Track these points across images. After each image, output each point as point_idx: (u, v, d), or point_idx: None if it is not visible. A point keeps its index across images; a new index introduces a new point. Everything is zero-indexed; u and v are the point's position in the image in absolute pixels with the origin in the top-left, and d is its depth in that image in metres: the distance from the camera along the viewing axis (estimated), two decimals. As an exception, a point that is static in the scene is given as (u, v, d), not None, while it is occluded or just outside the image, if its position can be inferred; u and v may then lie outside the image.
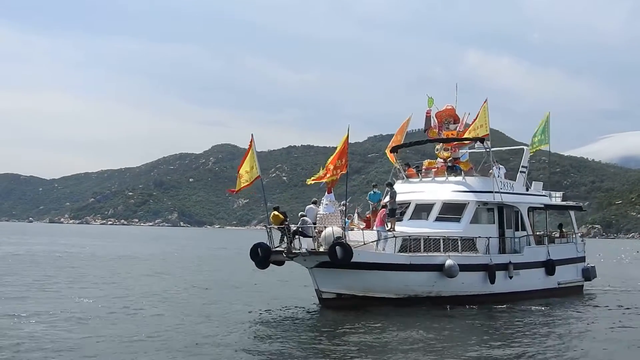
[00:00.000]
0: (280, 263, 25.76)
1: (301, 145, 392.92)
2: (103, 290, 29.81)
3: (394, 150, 30.99)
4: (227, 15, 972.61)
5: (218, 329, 20.18)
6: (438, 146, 31.08)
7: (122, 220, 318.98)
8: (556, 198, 34.33)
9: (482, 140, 30.34)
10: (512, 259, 28.46)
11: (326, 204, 26.03)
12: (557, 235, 33.44)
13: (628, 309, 27.00)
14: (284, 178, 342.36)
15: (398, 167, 31.25)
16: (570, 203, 36.78)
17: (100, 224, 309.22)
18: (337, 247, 22.95)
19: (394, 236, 25.18)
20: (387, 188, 27.58)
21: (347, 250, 22.99)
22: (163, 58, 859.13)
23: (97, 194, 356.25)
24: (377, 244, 24.72)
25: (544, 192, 33.79)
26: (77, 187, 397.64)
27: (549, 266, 30.32)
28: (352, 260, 23.14)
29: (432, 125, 30.74)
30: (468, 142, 31.61)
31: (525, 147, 33.51)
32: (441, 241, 26.00)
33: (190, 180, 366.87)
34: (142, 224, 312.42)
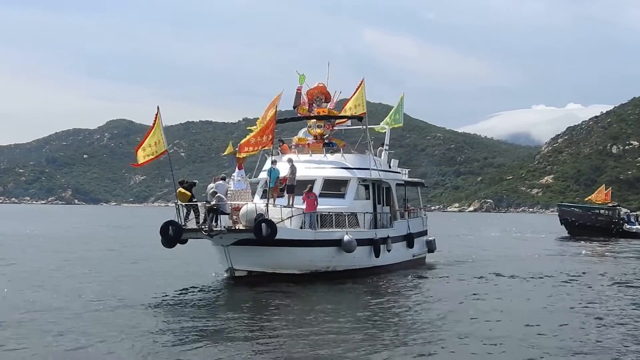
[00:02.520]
0: (184, 241, 25.19)
1: (199, 120, 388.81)
2: None
3: None
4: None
5: (129, 312, 19.21)
6: (310, 123, 31.07)
7: (13, 199, 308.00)
8: (405, 174, 35.42)
9: (360, 118, 30.95)
10: (389, 233, 29.58)
11: (238, 180, 25.71)
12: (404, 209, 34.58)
13: (463, 279, 28.51)
14: (182, 154, 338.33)
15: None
16: (417, 179, 37.97)
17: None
18: (262, 223, 22.84)
19: (303, 212, 25.47)
20: (287, 164, 27.41)
21: (273, 227, 23.01)
22: (54, 29, 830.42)
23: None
24: (290, 220, 24.89)
25: (399, 169, 34.94)
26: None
27: (410, 239, 31.89)
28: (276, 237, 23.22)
29: (301, 102, 30.72)
30: (346, 119, 31.93)
31: (386, 127, 34.23)
32: (333, 217, 26.43)
33: (85, 156, 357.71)
34: (34, 202, 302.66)
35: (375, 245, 27.88)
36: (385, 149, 33.18)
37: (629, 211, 74.07)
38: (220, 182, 25.10)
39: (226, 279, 25.40)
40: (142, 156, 24.51)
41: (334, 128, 32.20)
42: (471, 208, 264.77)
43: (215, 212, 23.74)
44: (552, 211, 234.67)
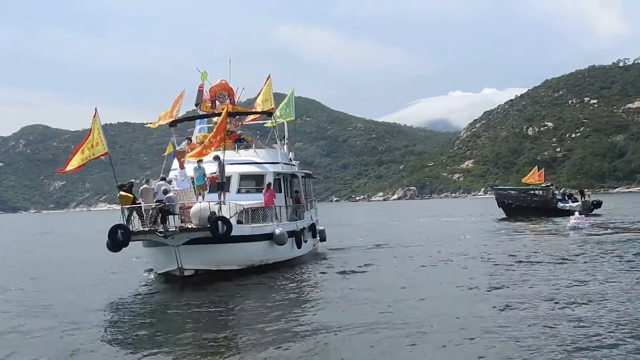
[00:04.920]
0: (127, 244, 24.32)
1: (117, 122, 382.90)
2: None
3: (172, 125, 30.31)
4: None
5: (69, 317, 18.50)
6: (216, 119, 30.68)
7: None
8: (297, 166, 35.74)
9: (269, 113, 31.09)
10: (304, 225, 30.32)
11: (182, 180, 25.57)
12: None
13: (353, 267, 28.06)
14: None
15: (175, 141, 30.66)
16: (307, 171, 38.07)
17: None
18: (219, 221, 22.88)
19: (245, 209, 25.50)
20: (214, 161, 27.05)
21: (229, 224, 23.10)
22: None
23: None
24: (236, 217, 24.91)
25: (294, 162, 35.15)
26: None
27: (313, 230, 32.56)
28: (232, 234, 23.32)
29: (203, 99, 30.43)
30: (257, 115, 32.20)
31: (284, 121, 34.20)
32: (260, 211, 26.54)
33: (0, 164, 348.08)
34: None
35: (297, 236, 28.45)
36: (286, 142, 33.28)
37: (562, 190, 78.90)
38: (161, 182, 24.88)
39: (159, 278, 25.15)
40: (80, 159, 24.10)
41: (242, 124, 32.17)
42: (395, 196, 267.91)
43: (166, 212, 23.36)
44: (473, 195, 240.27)
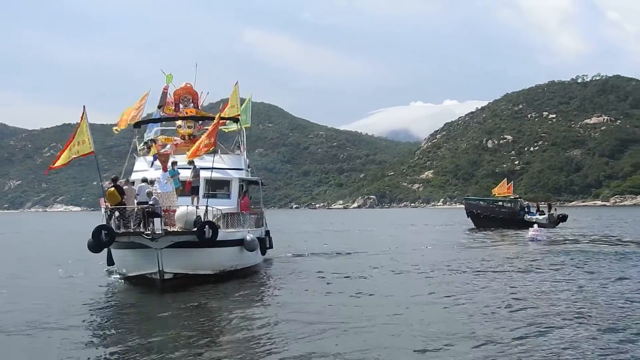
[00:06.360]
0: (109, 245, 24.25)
1: (77, 122, 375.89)
2: None
3: (137, 125, 29.99)
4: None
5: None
6: (180, 123, 30.46)
7: None
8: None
9: (236, 119, 31.17)
10: (265, 231, 31.03)
11: (165, 182, 25.35)
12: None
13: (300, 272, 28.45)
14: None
15: (137, 142, 30.42)
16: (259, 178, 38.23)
17: None
18: (206, 225, 22.85)
19: (222, 214, 25.27)
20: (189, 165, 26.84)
21: (215, 229, 23.08)
22: None
23: None
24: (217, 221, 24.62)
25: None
26: None
27: (268, 236, 32.53)
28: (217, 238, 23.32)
29: (167, 101, 30.19)
30: (224, 121, 31.79)
31: (243, 127, 33.80)
32: (229, 217, 26.29)
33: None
34: None
35: (262, 243, 28.59)
36: (244, 149, 33.25)
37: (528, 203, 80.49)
38: (143, 184, 24.52)
39: (129, 281, 24.82)
40: (67, 156, 23.87)
41: (202, 128, 31.72)
42: (355, 205, 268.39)
43: (154, 215, 22.99)
44: (433, 205, 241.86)
